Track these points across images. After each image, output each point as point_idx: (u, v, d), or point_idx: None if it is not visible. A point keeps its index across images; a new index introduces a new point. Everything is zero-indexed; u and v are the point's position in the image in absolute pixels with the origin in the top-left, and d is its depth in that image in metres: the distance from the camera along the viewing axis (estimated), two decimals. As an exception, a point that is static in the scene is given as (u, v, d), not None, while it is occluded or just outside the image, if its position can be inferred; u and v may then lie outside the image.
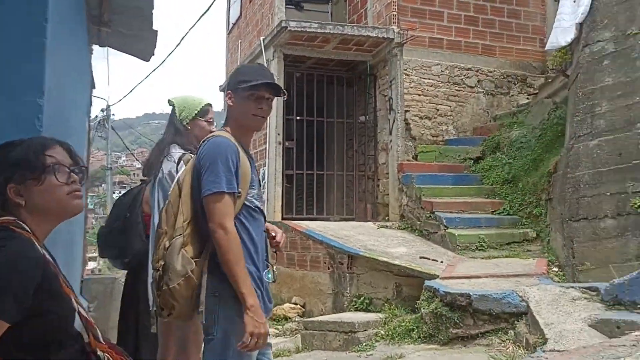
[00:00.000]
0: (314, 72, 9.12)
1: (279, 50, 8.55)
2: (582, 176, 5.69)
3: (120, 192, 16.13)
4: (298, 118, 8.92)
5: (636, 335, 3.58)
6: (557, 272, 5.77)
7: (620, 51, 5.53)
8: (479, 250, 6.66)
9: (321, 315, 6.94)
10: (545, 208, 6.84)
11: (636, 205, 5.16)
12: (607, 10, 5.73)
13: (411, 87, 9.11)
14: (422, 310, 5.27)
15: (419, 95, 9.18)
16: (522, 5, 9.98)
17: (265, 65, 8.83)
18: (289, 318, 7.20)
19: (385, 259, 6.24)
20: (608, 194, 5.43)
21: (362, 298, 6.45)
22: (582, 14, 5.96)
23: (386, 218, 8.67)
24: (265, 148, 8.73)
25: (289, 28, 7.98)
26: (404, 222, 8.09)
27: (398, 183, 8.36)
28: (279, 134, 8.50)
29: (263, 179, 8.80)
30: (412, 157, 8.87)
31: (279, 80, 8.52)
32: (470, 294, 4.84)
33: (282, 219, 8.43)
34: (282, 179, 8.56)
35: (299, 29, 8.07)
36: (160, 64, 14.66)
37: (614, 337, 3.87)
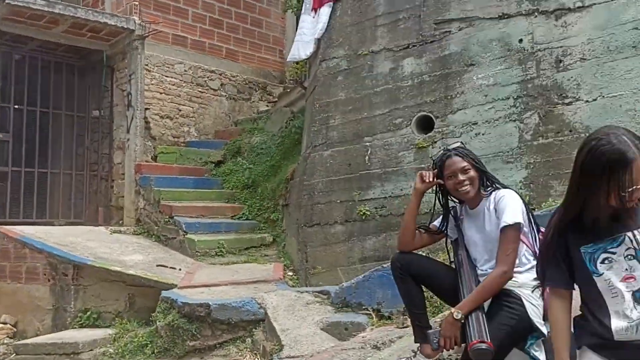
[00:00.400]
0: (38, 55, 7.98)
1: (-7, 26, 7.25)
2: (316, 184, 5.99)
3: None
4: (16, 107, 7.68)
5: (362, 337, 3.83)
6: (292, 276, 5.97)
7: (352, 69, 5.98)
8: (219, 255, 6.56)
9: (37, 335, 6.05)
10: (282, 213, 7.07)
11: (361, 213, 5.61)
12: (342, 30, 6.15)
13: (152, 84, 8.63)
14: (158, 324, 4.94)
15: (161, 93, 8.74)
16: (264, 15, 10.29)
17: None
18: (-3, 341, 6.10)
19: (117, 268, 5.71)
20: (338, 201, 5.81)
21: (88, 313, 5.80)
22: (321, 30, 6.30)
23: (120, 222, 8.03)
24: (-29, 140, 7.32)
25: (7, 1, 6.81)
26: (141, 227, 7.57)
27: (135, 185, 7.79)
28: (-9, 124, 7.20)
29: (-33, 176, 7.37)
30: (152, 158, 8.39)
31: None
32: (210, 303, 4.68)
33: (-8, 223, 7.15)
34: (-6, 177, 7.28)
35: (21, 4, 6.95)
36: None
37: (344, 339, 4.09)
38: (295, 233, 6.40)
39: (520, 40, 4.94)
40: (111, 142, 8.45)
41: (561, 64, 4.74)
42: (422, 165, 5.38)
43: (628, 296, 1.75)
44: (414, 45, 5.61)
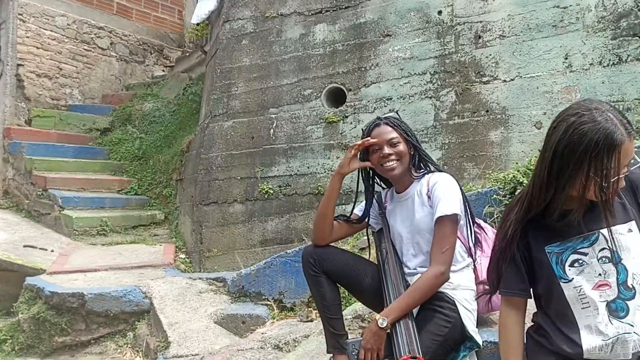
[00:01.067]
0: None
1: None
2: (215, 158, 5.42)
3: None
4: None
5: (262, 334, 3.37)
6: (184, 259, 5.39)
7: (259, 32, 5.42)
8: (101, 235, 5.82)
9: None
10: (176, 189, 6.43)
11: (263, 191, 5.13)
12: (248, -13, 5.56)
13: (27, 37, 7.55)
14: (20, 316, 4.20)
15: (38, 48, 7.68)
16: (164, -30, 9.39)
17: None
18: None
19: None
20: (239, 177, 5.29)
21: None
22: (225, -15, 5.68)
23: (-15, 194, 6.98)
24: None
25: None
26: (9, 200, 6.60)
27: (3, 152, 6.77)
28: None
29: None
30: (25, 122, 7.36)
31: None
32: (85, 293, 4.02)
33: None
34: None
35: None
36: None
37: (241, 334, 3.63)
38: (189, 211, 5.80)
39: (440, 12, 4.63)
40: (-24, 101, 7.30)
41: (480, 40, 4.48)
42: (332, 142, 4.99)
43: (602, 307, 1.42)
44: (327, 11, 5.15)
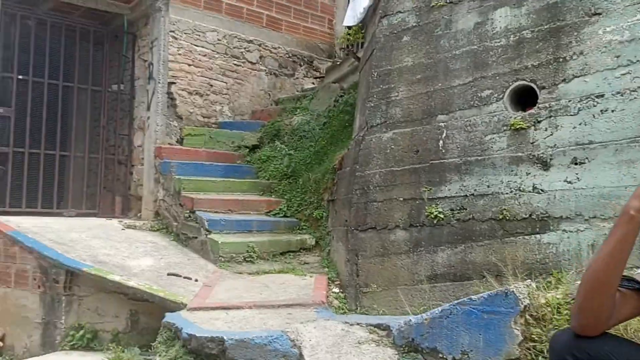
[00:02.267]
0: (48, 19, 6.84)
1: (-6, -19, 6.15)
2: (372, 176, 4.61)
3: None
4: (20, 77, 6.58)
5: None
6: (338, 294, 4.63)
7: (423, 26, 4.55)
8: (247, 262, 5.29)
9: (25, 353, 4.94)
10: (328, 211, 5.73)
11: (432, 215, 4.22)
12: (409, -25, 4.72)
13: (180, 54, 7.41)
14: (158, 359, 3.68)
15: (189, 65, 7.52)
16: (313, -22, 8.92)
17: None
18: (-20, 358, 5.03)
19: (116, 278, 4.49)
20: (401, 199, 4.42)
21: (82, 331, 4.62)
22: (382, -23, 4.90)
23: (139, 215, 6.87)
24: (-32, 114, 6.26)
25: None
26: (159, 222, 6.38)
27: (154, 172, 6.60)
28: (-13, 96, 6.12)
29: (-37, 157, 6.33)
30: (177, 141, 7.19)
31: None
32: (225, 338, 3.39)
33: (-11, 213, 6.10)
34: (-9, 159, 6.20)
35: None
36: None
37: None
38: (343, 237, 5.05)
39: (674, -25, 3.42)
40: (131, 121, 7.28)
41: None
42: (519, 154, 3.93)
43: None
44: (510, -9, 4.14)
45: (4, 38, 6.33)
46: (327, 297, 4.31)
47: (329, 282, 4.77)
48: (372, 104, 4.74)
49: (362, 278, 4.51)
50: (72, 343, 4.60)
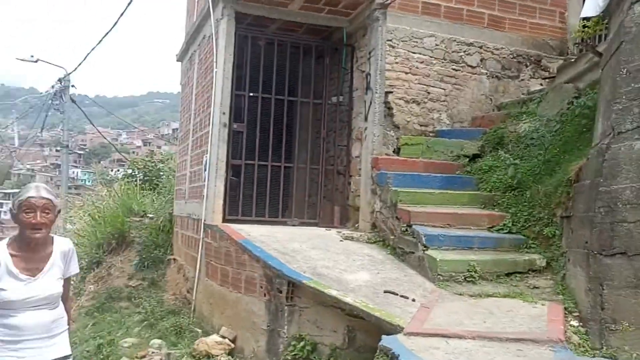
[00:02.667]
0: (275, 38, 7.26)
1: (229, 7, 6.69)
2: (621, 191, 3.88)
3: (119, 170, 14.35)
4: (251, 94, 7.08)
5: None
6: (577, 328, 3.98)
7: (691, 8, 3.69)
8: (468, 282, 4.88)
9: (252, 358, 5.21)
10: (561, 229, 5.04)
11: None
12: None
13: (397, 63, 7.31)
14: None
15: (406, 73, 7.37)
16: (541, -31, 8.12)
17: (213, 24, 7.00)
18: (213, 356, 5.44)
19: (333, 293, 4.46)
20: (661, 220, 3.63)
21: (303, 342, 4.69)
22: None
23: (356, 225, 6.89)
24: (208, 131, 6.91)
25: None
26: (376, 234, 6.29)
27: (371, 183, 6.55)
28: (224, 114, 6.67)
29: (205, 170, 7.01)
30: (394, 151, 7.07)
31: (228, 45, 6.70)
32: (445, 374, 3.07)
33: (224, 221, 6.64)
34: (227, 171, 6.75)
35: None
36: (113, 27, 12.88)
37: None
38: (582, 261, 4.36)
39: None
40: (349, 132, 7.36)
41: None
42: None
43: None
44: None
45: (237, 59, 6.86)
46: (565, 332, 3.71)
47: (565, 313, 4.13)
48: (621, 106, 4.00)
49: (608, 312, 3.81)
50: (293, 353, 4.68)
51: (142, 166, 15.02)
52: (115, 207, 11.22)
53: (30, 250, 2.70)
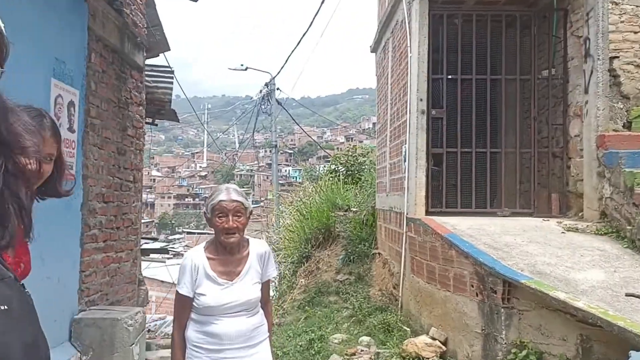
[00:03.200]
0: (473, 13, 6.65)
1: (421, -14, 6.28)
2: None
3: (324, 167, 15.16)
4: (450, 77, 6.58)
5: None
6: None
7: None
8: None
9: (466, 363, 4.76)
10: None
11: None
12: None
13: (622, 22, 6.21)
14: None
15: (635, 32, 6.20)
16: None
17: (405, 7, 6.65)
18: (423, 358, 5.11)
19: (562, 296, 3.80)
20: None
21: (525, 351, 4.11)
22: None
23: (580, 214, 6.00)
24: (406, 120, 6.59)
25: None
26: (606, 224, 5.37)
27: (597, 164, 5.62)
28: (421, 100, 6.28)
29: (404, 161, 6.71)
30: (623, 126, 6.01)
31: (422, 27, 6.30)
32: None
33: (427, 213, 6.27)
34: (427, 161, 6.36)
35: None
36: (309, 27, 13.22)
37: None
38: None
39: None
40: (565, 108, 6.44)
41: None
42: None
43: None
44: None
45: (432, 42, 6.42)
46: None
47: None
48: None
49: None
50: (514, 362, 4.14)
51: (344, 161, 15.30)
52: (321, 203, 11.51)
53: (227, 253, 2.62)
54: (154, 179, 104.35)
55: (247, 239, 2.74)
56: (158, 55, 7.96)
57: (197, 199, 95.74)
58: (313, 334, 6.68)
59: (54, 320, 3.30)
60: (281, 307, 9.21)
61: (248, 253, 2.68)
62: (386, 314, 6.81)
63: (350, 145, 19.68)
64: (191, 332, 2.58)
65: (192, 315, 2.60)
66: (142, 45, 4.64)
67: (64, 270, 3.41)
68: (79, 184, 3.64)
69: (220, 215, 2.54)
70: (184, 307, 2.60)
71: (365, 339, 6.24)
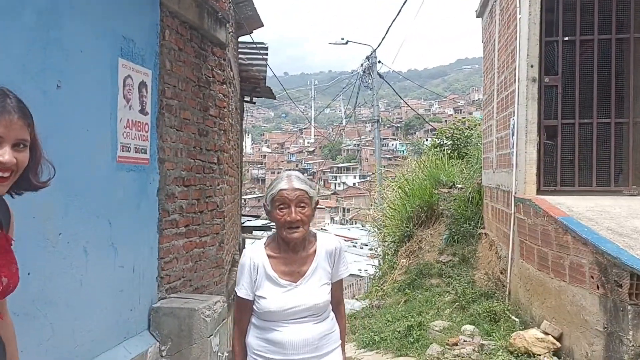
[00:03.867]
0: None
1: (532, -63, 5.56)
2: None
3: (437, 141, 14.63)
4: (566, 39, 5.81)
5: None
6: None
7: None
8: None
9: (584, 364, 4.20)
10: None
11: None
12: None
13: None
14: None
15: None
16: None
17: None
18: (534, 355, 4.60)
19: None
20: None
21: (656, 356, 3.51)
22: None
23: None
24: (514, 89, 5.94)
25: None
26: None
27: None
28: (532, 66, 5.61)
29: (512, 134, 6.09)
30: None
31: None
32: None
33: (539, 192, 5.65)
34: (539, 134, 5.69)
35: None
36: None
37: None
38: None
39: None
40: None
41: None
42: None
43: None
44: None
45: (546, 0, 5.70)
46: None
47: None
48: None
49: None
50: (640, 368, 3.55)
51: (449, 135, 14.59)
52: (424, 179, 10.99)
53: (290, 251, 2.29)
54: (264, 155, 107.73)
55: (315, 234, 2.39)
56: (252, 32, 7.81)
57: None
58: (412, 319, 6.33)
59: (130, 309, 3.22)
60: (381, 289, 8.92)
61: (315, 250, 2.33)
62: (492, 301, 6.30)
63: (454, 118, 18.73)
64: (252, 339, 2.30)
65: (253, 320, 2.31)
66: (224, 20, 4.44)
67: (140, 258, 3.32)
68: (155, 168, 3.52)
69: (282, 206, 2.21)
70: (243, 310, 2.32)
71: (469, 327, 5.79)
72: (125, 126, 3.16)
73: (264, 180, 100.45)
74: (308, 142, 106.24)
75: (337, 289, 2.42)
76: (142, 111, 3.36)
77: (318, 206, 2.35)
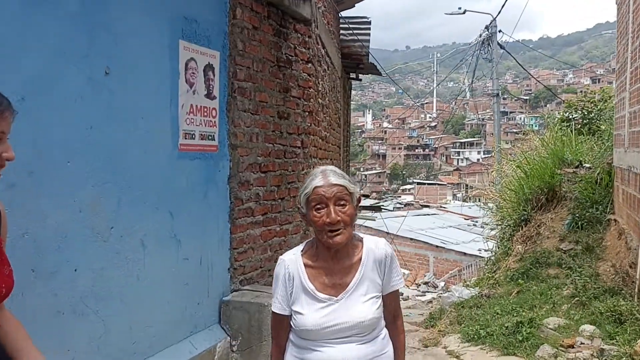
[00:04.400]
0: None
1: None
2: None
3: (565, 114, 13.44)
4: None
5: None
6: None
7: None
8: None
9: None
10: None
11: None
12: None
13: None
14: None
15: None
16: None
17: None
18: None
19: None
20: None
21: None
22: None
23: None
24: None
25: None
26: None
27: None
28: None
29: None
30: None
31: None
32: None
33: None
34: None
35: None
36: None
37: None
38: None
39: None
40: None
41: None
42: None
43: None
44: None
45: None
46: None
47: None
48: None
49: None
50: None
51: (580, 107, 13.25)
52: (546, 157, 10.03)
53: (331, 259, 1.96)
54: (385, 131, 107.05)
55: (361, 238, 2.03)
56: (354, 6, 7.47)
57: (427, 150, 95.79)
58: (523, 315, 5.75)
59: (197, 302, 3.11)
60: (492, 277, 8.30)
61: (360, 258, 1.98)
62: (618, 298, 5.54)
63: (586, 88, 17.03)
64: (290, 358, 2.00)
65: (291, 337, 2.01)
66: (307, -7, 4.16)
67: (209, 249, 3.19)
68: (225, 155, 3.35)
69: (318, 206, 1.88)
70: (280, 327, 2.02)
71: (588, 328, 5.14)
72: (188, 112, 3.01)
73: (384, 156, 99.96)
74: (430, 117, 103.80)
75: (391, 301, 2.06)
76: (209, 95, 3.19)
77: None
